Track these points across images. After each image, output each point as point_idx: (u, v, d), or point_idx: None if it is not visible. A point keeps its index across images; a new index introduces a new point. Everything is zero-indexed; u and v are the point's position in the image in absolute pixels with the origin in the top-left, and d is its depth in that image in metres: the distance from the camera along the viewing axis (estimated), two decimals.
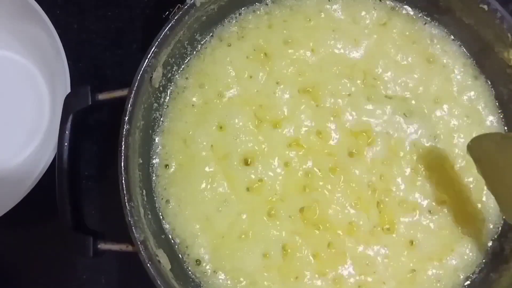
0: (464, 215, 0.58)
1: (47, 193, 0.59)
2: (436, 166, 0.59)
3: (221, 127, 0.60)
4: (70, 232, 0.56)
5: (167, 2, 0.71)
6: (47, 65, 0.74)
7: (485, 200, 0.59)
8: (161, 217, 0.59)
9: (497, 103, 0.61)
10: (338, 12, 0.63)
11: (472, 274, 0.58)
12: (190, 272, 0.58)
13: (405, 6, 0.62)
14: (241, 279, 0.57)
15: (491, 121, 0.61)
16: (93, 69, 0.76)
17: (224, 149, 0.59)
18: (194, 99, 0.61)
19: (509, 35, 0.55)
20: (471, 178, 0.59)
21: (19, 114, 0.75)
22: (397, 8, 0.63)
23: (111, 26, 0.76)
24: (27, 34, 0.74)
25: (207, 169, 0.59)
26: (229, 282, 0.57)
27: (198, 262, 0.58)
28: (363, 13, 0.62)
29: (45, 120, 0.74)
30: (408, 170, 0.58)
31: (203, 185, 0.59)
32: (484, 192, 0.58)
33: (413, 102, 0.60)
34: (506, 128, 0.60)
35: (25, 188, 0.67)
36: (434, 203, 0.58)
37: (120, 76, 0.75)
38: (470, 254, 0.58)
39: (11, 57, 0.77)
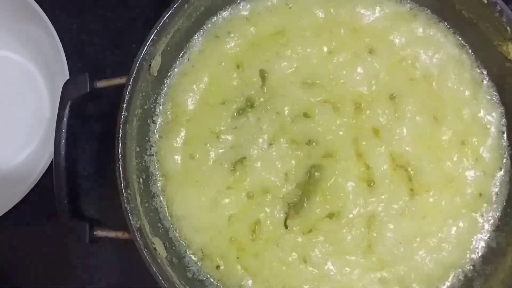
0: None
1: (46, 193, 0.58)
2: None
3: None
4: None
5: (167, 2, 0.71)
6: (47, 65, 0.74)
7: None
8: (158, 205, 0.59)
9: (496, 98, 0.61)
10: None
11: (469, 267, 0.58)
12: (186, 261, 0.58)
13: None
14: (238, 267, 0.57)
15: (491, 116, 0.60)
16: (92, 69, 0.75)
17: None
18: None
19: (508, 28, 0.55)
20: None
21: (19, 114, 0.75)
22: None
23: (111, 26, 0.76)
24: (27, 34, 0.74)
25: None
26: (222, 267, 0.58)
27: (194, 250, 0.58)
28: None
29: (45, 120, 0.74)
30: None
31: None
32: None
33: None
34: (506, 122, 0.60)
35: (24, 188, 0.67)
36: None
37: (119, 76, 0.75)
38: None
39: (11, 57, 0.77)
